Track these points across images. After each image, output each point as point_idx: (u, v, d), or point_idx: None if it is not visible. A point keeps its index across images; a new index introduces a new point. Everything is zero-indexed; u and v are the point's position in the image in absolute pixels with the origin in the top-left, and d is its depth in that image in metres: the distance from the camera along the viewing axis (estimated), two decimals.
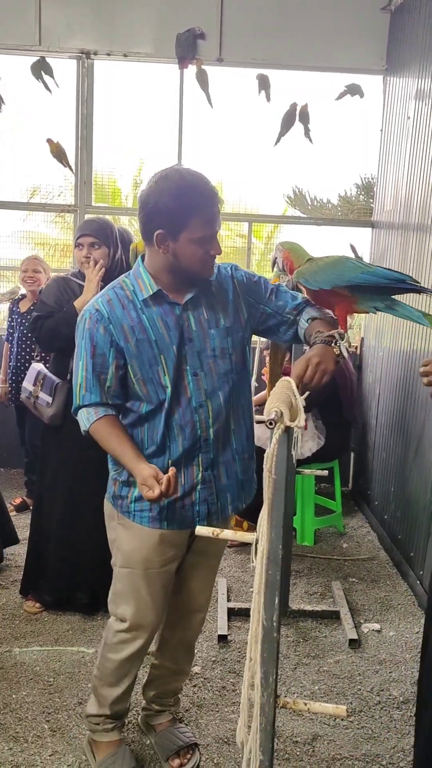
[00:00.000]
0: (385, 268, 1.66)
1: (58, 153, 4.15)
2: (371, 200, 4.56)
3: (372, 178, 4.57)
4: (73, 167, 4.27)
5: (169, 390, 1.64)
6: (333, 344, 1.58)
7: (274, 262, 1.79)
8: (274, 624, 1.38)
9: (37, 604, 2.80)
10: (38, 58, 4.03)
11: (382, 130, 4.17)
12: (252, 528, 3.47)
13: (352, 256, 4.25)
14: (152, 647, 1.99)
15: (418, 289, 1.63)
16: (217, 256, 1.64)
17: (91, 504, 2.29)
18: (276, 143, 4.19)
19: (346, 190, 5.08)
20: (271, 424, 1.20)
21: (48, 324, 2.60)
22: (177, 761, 1.96)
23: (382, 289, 1.64)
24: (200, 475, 1.71)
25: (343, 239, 4.74)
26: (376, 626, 2.79)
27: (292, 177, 5.13)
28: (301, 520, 3.58)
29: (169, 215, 1.54)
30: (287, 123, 4.16)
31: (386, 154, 4.08)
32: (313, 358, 1.56)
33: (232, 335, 1.70)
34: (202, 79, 4.06)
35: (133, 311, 1.64)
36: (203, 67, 4.04)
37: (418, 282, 1.64)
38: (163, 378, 1.64)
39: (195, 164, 4.49)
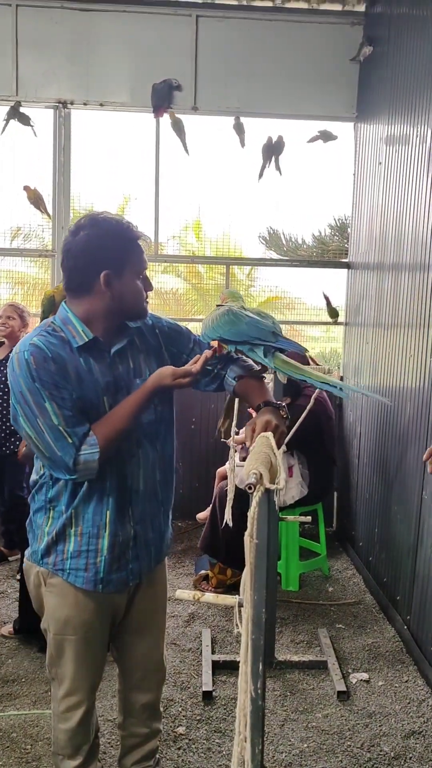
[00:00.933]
0: (254, 320, 1.67)
1: (36, 199, 4.18)
2: (345, 241, 4.63)
3: (346, 219, 4.65)
4: (51, 213, 4.29)
5: None
6: (281, 409, 1.62)
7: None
8: (260, 693, 1.33)
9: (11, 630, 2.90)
10: (14, 103, 4.08)
11: (354, 174, 4.27)
12: (235, 575, 3.41)
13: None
14: (119, 718, 1.93)
15: (273, 347, 1.65)
16: (148, 294, 1.67)
17: None
18: (260, 177, 4.26)
19: (321, 230, 5.17)
20: (250, 488, 1.17)
21: None
22: None
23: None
24: (132, 530, 1.66)
25: (319, 280, 4.82)
26: (365, 676, 2.73)
27: (268, 218, 5.22)
28: (286, 565, 3.52)
29: (114, 254, 1.57)
30: (267, 154, 4.24)
31: (359, 196, 4.16)
32: (272, 421, 1.55)
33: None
34: (178, 128, 4.14)
35: (68, 355, 1.57)
36: (178, 116, 4.12)
37: (277, 338, 1.65)
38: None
39: (173, 207, 4.59)
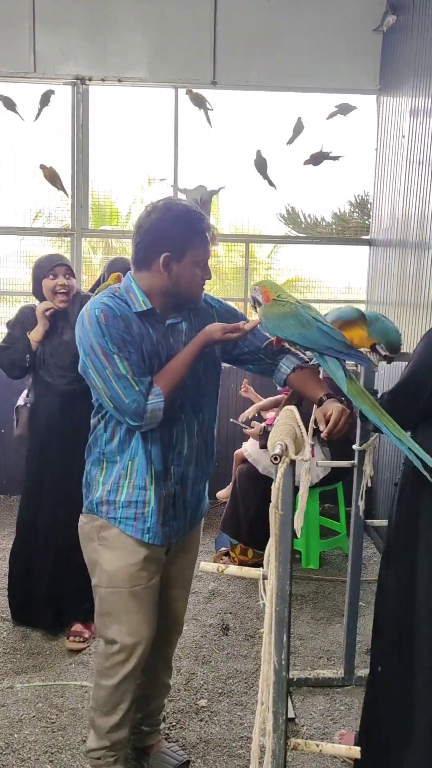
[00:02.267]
0: (327, 329, 1.67)
1: (52, 177, 4.17)
2: (366, 217, 4.56)
3: (366, 195, 4.57)
4: (69, 191, 4.28)
5: None
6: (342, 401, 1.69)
7: (254, 302, 1.80)
8: (284, 664, 1.34)
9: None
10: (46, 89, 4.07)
11: (377, 149, 4.18)
12: (256, 555, 3.42)
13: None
14: None
15: (340, 358, 1.67)
16: (206, 281, 1.74)
17: (46, 522, 2.74)
18: (288, 143, 4.21)
19: (340, 207, 5.08)
20: (276, 458, 1.16)
21: (8, 354, 2.74)
22: None
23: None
24: (173, 489, 1.77)
25: (340, 259, 4.76)
26: None
27: (287, 196, 5.15)
28: (306, 544, 3.53)
29: (177, 238, 1.65)
30: (297, 129, 4.19)
31: (382, 172, 4.09)
32: (346, 410, 1.65)
33: (206, 360, 1.77)
34: (199, 101, 4.08)
35: (132, 316, 1.68)
36: (198, 91, 4.06)
37: (349, 350, 1.67)
38: None
39: (193, 183, 4.54)
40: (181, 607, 2.01)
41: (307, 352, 1.77)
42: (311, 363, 1.81)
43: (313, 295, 5.35)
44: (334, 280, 5.11)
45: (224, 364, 1.89)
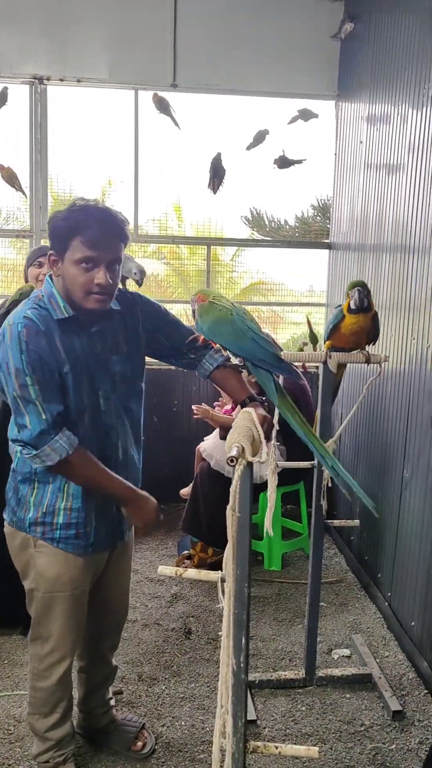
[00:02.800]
0: (259, 339, 1.66)
1: (10, 178, 4.10)
2: (327, 221, 4.62)
3: (328, 200, 4.63)
4: (28, 192, 4.21)
5: (85, 413, 1.66)
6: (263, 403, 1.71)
7: (193, 312, 1.80)
8: (242, 666, 1.33)
9: None
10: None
11: (336, 154, 4.24)
12: (216, 553, 3.41)
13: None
14: (79, 664, 2.08)
15: (272, 371, 1.66)
16: (105, 287, 1.57)
17: None
18: (248, 148, 4.24)
19: (303, 211, 5.13)
20: (232, 461, 1.16)
21: None
22: (139, 744, 2.11)
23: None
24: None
25: (302, 262, 4.81)
26: (346, 652, 2.76)
27: (251, 199, 5.18)
28: (268, 545, 3.54)
29: (57, 235, 1.56)
30: (258, 138, 4.23)
31: (341, 176, 4.14)
32: (266, 416, 1.63)
33: (132, 361, 1.75)
34: (162, 106, 4.07)
35: (55, 327, 1.60)
36: (160, 94, 4.05)
37: (281, 363, 1.66)
38: (77, 401, 1.64)
39: (153, 185, 4.50)
40: (126, 600, 2.08)
41: (237, 359, 1.77)
42: (233, 362, 1.82)
43: (276, 298, 5.39)
44: (297, 283, 5.17)
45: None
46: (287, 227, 5.26)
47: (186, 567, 3.47)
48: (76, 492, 1.69)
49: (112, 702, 2.18)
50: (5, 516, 1.79)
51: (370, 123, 3.56)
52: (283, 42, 4.10)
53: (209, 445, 3.53)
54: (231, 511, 1.20)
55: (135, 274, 3.12)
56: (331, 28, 4.04)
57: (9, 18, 3.94)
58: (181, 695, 2.45)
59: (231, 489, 1.20)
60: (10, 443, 1.74)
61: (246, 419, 1.37)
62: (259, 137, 4.20)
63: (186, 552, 3.55)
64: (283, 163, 4.24)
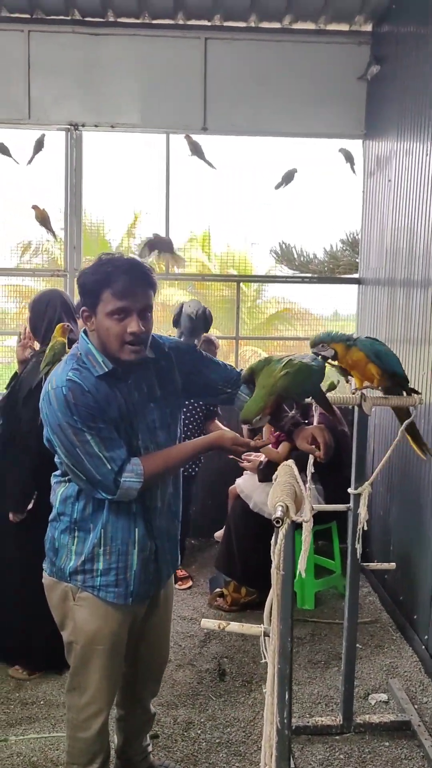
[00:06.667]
0: None
1: (43, 219, 4.23)
2: (356, 255, 4.65)
3: (357, 234, 4.67)
4: (63, 234, 4.34)
5: None
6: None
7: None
8: (286, 723, 1.33)
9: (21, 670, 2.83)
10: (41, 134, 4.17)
11: (363, 191, 4.29)
12: (249, 593, 3.40)
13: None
14: (118, 713, 2.07)
15: None
16: (138, 335, 1.59)
17: None
18: (276, 187, 4.29)
19: (332, 245, 5.20)
20: (277, 522, 1.18)
21: None
22: None
23: None
24: (154, 545, 1.77)
25: (329, 294, 4.85)
26: (384, 696, 2.71)
27: (279, 233, 5.27)
28: (301, 583, 3.51)
29: (88, 290, 1.60)
30: (287, 178, 4.29)
31: (369, 214, 4.19)
32: (322, 428, 1.72)
33: (170, 406, 1.77)
34: (196, 149, 4.17)
35: (99, 383, 1.63)
36: (193, 137, 4.16)
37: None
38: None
39: (182, 223, 4.61)
40: (167, 649, 2.10)
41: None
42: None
43: (300, 325, 5.43)
44: (322, 308, 5.20)
45: None
46: (316, 261, 5.33)
47: (219, 605, 3.47)
48: (115, 535, 1.70)
49: (150, 748, 2.17)
50: (44, 566, 1.82)
51: (398, 161, 3.61)
52: (311, 84, 4.19)
53: (247, 486, 3.54)
54: (276, 570, 1.22)
55: (192, 313, 3.16)
56: (358, 70, 4.12)
57: (45, 68, 4.11)
58: (217, 740, 2.43)
59: (275, 548, 1.22)
60: (53, 494, 1.78)
61: (287, 473, 1.39)
62: (288, 177, 4.27)
63: (219, 590, 3.54)
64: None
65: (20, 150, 4.21)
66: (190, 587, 3.73)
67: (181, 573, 3.80)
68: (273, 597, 1.27)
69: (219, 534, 3.98)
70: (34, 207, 4.25)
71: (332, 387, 4.44)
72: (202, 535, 4.27)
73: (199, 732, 2.48)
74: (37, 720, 2.53)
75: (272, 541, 1.24)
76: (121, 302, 1.57)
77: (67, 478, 1.71)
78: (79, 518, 1.70)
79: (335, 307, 5.19)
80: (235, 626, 1.41)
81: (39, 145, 4.16)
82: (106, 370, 1.63)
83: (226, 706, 2.64)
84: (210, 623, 1.40)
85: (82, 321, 1.65)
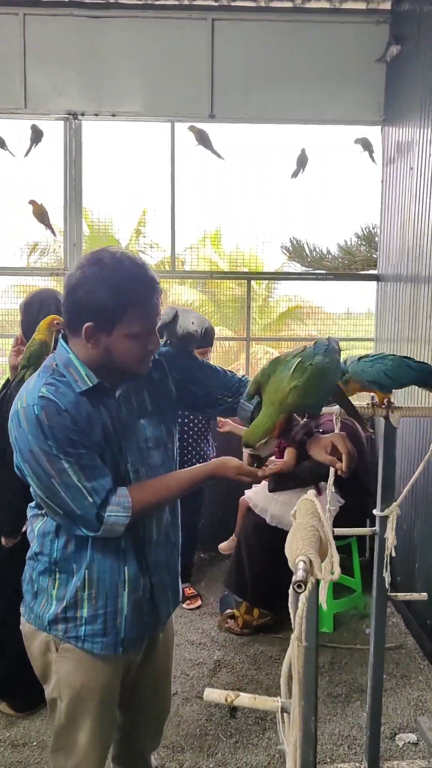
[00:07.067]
0: None
1: (41, 215, 4.01)
2: (373, 250, 4.37)
3: (373, 228, 4.40)
4: (62, 229, 4.11)
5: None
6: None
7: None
8: None
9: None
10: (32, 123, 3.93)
11: (383, 181, 4.01)
12: (263, 615, 3.15)
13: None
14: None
15: None
16: (157, 349, 1.46)
17: None
18: (294, 175, 4.06)
19: (347, 240, 4.92)
20: (300, 586, 0.92)
21: None
22: None
23: None
24: (149, 582, 1.54)
25: (343, 291, 4.59)
26: (412, 737, 2.44)
27: (290, 228, 5.00)
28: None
29: (103, 308, 1.33)
30: (301, 161, 4.05)
31: (389, 205, 3.91)
32: (342, 435, 1.46)
33: (165, 421, 1.54)
34: (203, 138, 3.93)
35: (78, 400, 1.38)
36: (198, 126, 3.91)
37: None
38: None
39: (190, 217, 4.38)
40: (168, 697, 1.85)
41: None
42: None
43: (313, 322, 5.17)
44: (334, 305, 4.96)
45: None
46: (329, 257, 5.05)
47: (229, 627, 3.22)
48: (102, 576, 1.45)
49: None
50: (22, 611, 1.57)
51: (421, 147, 3.33)
52: (326, 67, 3.92)
53: (260, 498, 3.27)
54: (297, 641, 0.96)
55: (196, 331, 2.91)
56: (376, 52, 3.84)
57: (42, 54, 3.87)
58: None
59: (295, 615, 0.96)
60: (29, 528, 1.54)
61: (308, 512, 1.13)
62: (302, 160, 4.00)
63: (229, 611, 3.29)
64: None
65: (17, 142, 3.98)
66: (198, 607, 3.48)
67: (189, 591, 3.55)
68: (293, 671, 1.01)
69: (223, 546, 3.73)
70: (32, 202, 4.04)
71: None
72: (212, 549, 4.02)
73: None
74: (29, 765, 2.30)
75: (290, 604, 0.99)
76: (147, 323, 1.38)
77: (43, 511, 1.45)
78: (59, 557, 1.45)
79: (348, 305, 4.94)
80: (245, 698, 1.15)
81: (37, 135, 3.92)
82: (90, 385, 1.39)
83: (237, 748, 2.39)
84: (215, 695, 1.14)
85: (83, 338, 1.36)
